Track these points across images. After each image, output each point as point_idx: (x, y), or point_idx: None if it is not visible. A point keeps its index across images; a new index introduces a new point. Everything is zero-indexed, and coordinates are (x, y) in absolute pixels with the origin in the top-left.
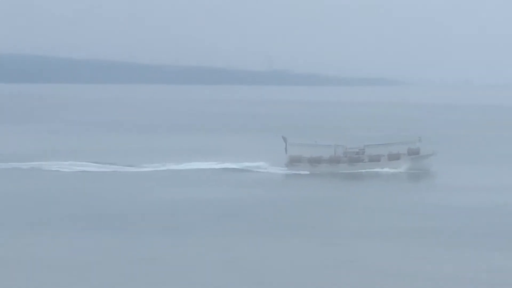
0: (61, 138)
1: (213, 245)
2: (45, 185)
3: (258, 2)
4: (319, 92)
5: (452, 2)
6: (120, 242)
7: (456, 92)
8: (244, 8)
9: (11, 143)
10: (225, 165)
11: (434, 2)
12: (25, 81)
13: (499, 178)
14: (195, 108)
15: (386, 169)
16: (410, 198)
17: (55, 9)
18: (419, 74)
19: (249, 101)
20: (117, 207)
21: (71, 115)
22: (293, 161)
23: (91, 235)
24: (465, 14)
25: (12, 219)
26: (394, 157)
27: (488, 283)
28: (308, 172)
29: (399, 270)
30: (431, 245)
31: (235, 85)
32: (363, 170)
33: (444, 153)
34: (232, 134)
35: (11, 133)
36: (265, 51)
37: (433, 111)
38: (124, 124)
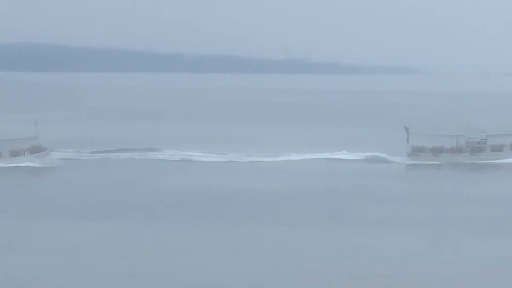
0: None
1: (327, 234)
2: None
3: None
4: (344, 80)
5: None
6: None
7: (481, 81)
8: None
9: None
10: (347, 155)
11: None
12: (44, 70)
13: None
14: (245, 97)
15: (508, 159)
16: None
17: None
18: (437, 63)
19: (285, 90)
20: (242, 195)
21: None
22: (415, 151)
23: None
24: (483, 3)
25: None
26: None
27: None
28: (430, 162)
29: None
30: None
31: (253, 74)
32: (485, 161)
33: None
34: (325, 125)
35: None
36: (283, 39)
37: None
38: (192, 113)
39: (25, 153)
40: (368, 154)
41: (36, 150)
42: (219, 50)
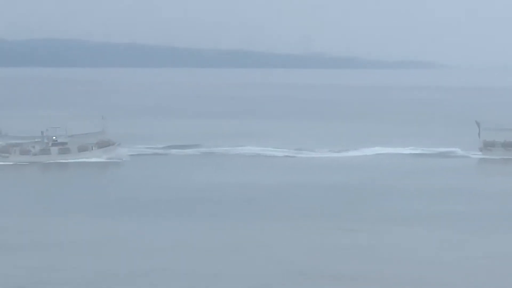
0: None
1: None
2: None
3: None
4: (366, 75)
5: None
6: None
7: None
8: None
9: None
10: (419, 150)
11: None
12: (65, 65)
13: None
14: (276, 92)
15: None
16: None
17: None
18: (458, 58)
19: (312, 85)
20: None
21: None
22: (487, 146)
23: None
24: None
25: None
26: None
27: None
28: (502, 157)
29: None
30: None
31: (272, 68)
32: None
33: None
34: (379, 120)
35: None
36: (302, 34)
37: None
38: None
39: (93, 148)
40: (441, 149)
41: (104, 144)
42: (238, 45)
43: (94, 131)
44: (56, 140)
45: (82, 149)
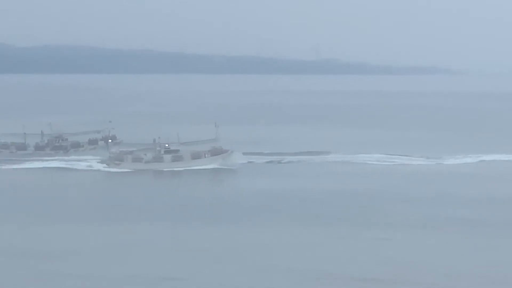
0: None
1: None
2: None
3: None
4: (382, 81)
5: None
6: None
7: None
8: None
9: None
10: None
11: None
12: (78, 71)
13: None
14: (311, 99)
15: None
16: None
17: (105, 1)
18: (466, 63)
19: (341, 92)
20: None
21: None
22: None
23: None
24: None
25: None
26: None
27: None
28: None
29: None
30: None
31: (283, 74)
32: None
33: None
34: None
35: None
36: (313, 40)
37: None
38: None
39: (206, 155)
40: None
41: (216, 152)
42: (248, 51)
43: (206, 139)
44: (169, 148)
45: (195, 156)
